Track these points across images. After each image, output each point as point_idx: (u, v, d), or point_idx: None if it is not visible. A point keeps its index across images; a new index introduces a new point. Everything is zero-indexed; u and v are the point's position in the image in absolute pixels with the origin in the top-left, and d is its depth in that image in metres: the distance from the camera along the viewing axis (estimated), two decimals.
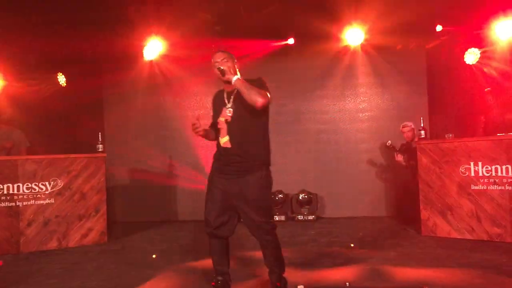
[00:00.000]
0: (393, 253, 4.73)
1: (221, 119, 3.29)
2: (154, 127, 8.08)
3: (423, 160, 5.56)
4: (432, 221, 5.50)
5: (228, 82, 3.18)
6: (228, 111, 3.26)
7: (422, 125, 5.71)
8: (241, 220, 3.30)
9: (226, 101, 3.31)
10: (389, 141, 6.51)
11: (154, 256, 4.95)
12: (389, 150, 6.63)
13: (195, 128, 3.19)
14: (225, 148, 3.26)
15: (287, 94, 7.73)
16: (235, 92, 3.26)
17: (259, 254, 3.43)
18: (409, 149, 6.34)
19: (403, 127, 6.37)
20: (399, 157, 6.35)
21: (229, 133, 3.24)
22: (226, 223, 3.31)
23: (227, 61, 3.24)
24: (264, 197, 3.25)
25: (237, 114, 3.22)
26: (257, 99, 3.05)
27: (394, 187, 7.28)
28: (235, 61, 3.35)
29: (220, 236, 3.35)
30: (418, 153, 5.63)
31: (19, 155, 6.14)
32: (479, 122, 6.30)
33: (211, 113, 3.47)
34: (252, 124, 3.23)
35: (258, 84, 3.18)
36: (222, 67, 3.17)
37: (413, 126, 6.24)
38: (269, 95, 3.14)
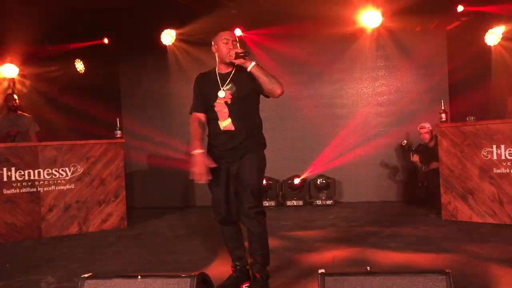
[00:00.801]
0: (413, 237, 4.68)
1: (220, 101, 3.10)
2: (171, 113, 8.09)
3: (444, 143, 5.47)
4: (453, 205, 5.43)
5: (231, 63, 3.08)
6: (228, 93, 3.09)
7: (442, 107, 5.60)
8: None
9: (221, 83, 3.12)
10: (405, 141, 6.42)
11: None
12: (404, 150, 6.50)
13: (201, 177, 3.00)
14: (227, 132, 3.09)
15: (304, 79, 7.65)
16: (232, 73, 3.12)
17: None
18: (426, 151, 6.23)
19: (420, 128, 6.23)
20: (415, 158, 6.23)
21: (231, 115, 3.08)
22: (235, 208, 3.19)
23: (237, 45, 3.13)
24: (259, 179, 3.15)
25: (238, 95, 3.07)
26: (278, 88, 2.98)
27: (413, 171, 7.17)
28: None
29: (232, 221, 3.25)
30: (439, 136, 5.54)
31: (28, 141, 6.20)
32: (508, 103, 6.14)
33: (195, 99, 3.22)
34: (252, 105, 3.16)
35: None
36: (242, 52, 3.02)
37: (430, 128, 6.08)
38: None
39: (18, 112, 6.46)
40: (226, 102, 3.10)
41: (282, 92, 2.99)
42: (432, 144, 5.99)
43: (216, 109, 3.12)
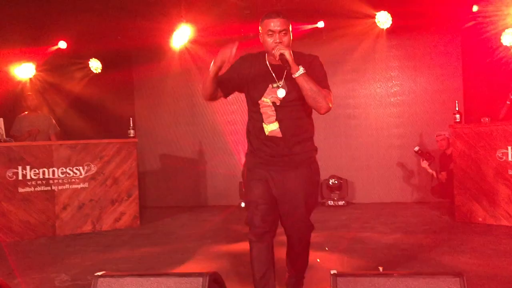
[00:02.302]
0: (427, 239, 4.64)
1: (266, 100, 2.63)
2: (184, 113, 8.13)
3: (458, 145, 5.42)
4: (467, 207, 5.37)
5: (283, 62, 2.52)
6: (279, 92, 2.60)
7: (457, 108, 5.55)
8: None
9: (275, 77, 2.62)
10: (417, 147, 6.37)
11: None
12: (416, 156, 6.46)
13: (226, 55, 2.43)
14: (273, 138, 2.64)
15: None
16: (288, 68, 2.52)
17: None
18: (442, 158, 6.19)
19: (437, 135, 6.21)
20: (425, 163, 6.20)
21: (279, 119, 2.61)
22: (272, 223, 2.68)
23: (286, 35, 2.57)
24: (314, 192, 2.77)
25: (290, 98, 2.59)
26: (323, 105, 2.51)
27: (425, 173, 7.11)
28: (291, 32, 2.64)
29: (266, 238, 2.67)
30: (453, 137, 5.49)
31: (47, 141, 6.28)
32: (504, 105, 6.07)
33: (225, 78, 2.67)
34: (305, 112, 2.67)
35: (317, 72, 2.61)
36: (284, 53, 2.47)
37: (447, 135, 6.03)
38: (332, 95, 2.60)
39: (38, 111, 6.56)
40: (274, 103, 2.63)
41: (327, 111, 2.55)
42: (450, 151, 5.92)
43: (261, 108, 2.66)
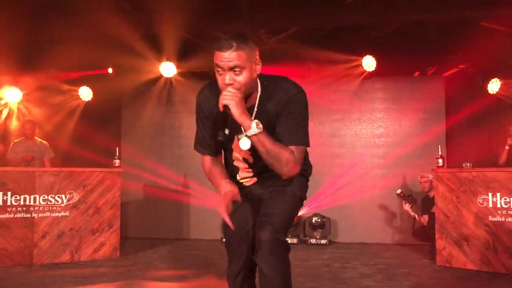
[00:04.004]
0: (407, 282, 4.64)
1: (237, 156, 2.30)
2: (170, 145, 8.13)
3: (440, 188, 5.50)
4: (447, 251, 5.41)
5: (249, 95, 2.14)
6: (242, 143, 2.16)
7: (439, 153, 5.66)
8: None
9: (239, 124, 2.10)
10: (399, 190, 6.46)
11: None
12: (399, 198, 6.55)
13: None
14: (250, 185, 2.39)
15: None
16: (254, 112, 2.14)
17: None
18: (424, 201, 6.30)
19: (421, 177, 6.34)
20: (407, 206, 6.29)
21: (254, 173, 2.33)
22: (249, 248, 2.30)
23: (241, 73, 2.02)
24: (288, 208, 2.27)
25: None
26: (282, 172, 2.12)
27: (407, 215, 7.17)
28: (257, 61, 2.11)
29: (244, 270, 2.35)
30: (435, 181, 5.58)
31: (42, 167, 6.25)
32: (503, 150, 6.22)
33: (201, 133, 2.36)
34: None
35: (291, 116, 2.14)
36: (229, 105, 2.00)
37: (431, 178, 6.15)
38: (303, 152, 2.19)
39: (35, 138, 6.58)
40: (245, 160, 2.29)
41: (292, 175, 2.17)
42: (432, 194, 6.01)
43: (233, 161, 2.35)
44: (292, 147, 2.13)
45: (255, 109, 2.16)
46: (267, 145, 2.05)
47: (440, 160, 5.61)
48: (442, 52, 7.02)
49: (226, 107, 2.01)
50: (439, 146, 5.79)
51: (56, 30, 6.46)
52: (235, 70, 2.02)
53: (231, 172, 2.39)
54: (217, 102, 2.08)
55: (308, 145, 2.23)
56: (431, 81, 7.62)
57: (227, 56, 2.00)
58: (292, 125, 2.14)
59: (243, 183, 2.38)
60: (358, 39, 6.97)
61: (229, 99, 2.00)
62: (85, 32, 6.47)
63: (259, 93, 2.17)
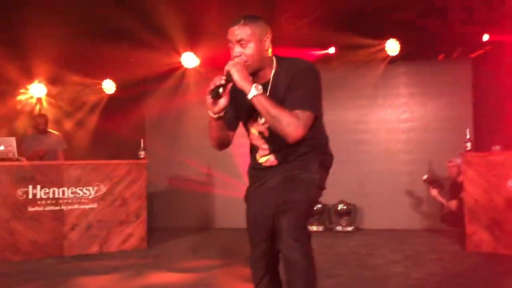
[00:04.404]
0: (437, 268, 4.58)
1: (253, 131, 2.39)
2: (193, 135, 8.15)
3: (469, 173, 5.38)
4: (477, 236, 5.31)
5: (260, 68, 2.25)
6: (260, 118, 2.30)
7: (468, 136, 5.53)
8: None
9: None
10: (426, 175, 6.34)
11: None
12: (426, 184, 6.43)
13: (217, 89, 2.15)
14: (269, 167, 2.40)
15: (326, 104, 7.59)
16: (269, 86, 2.25)
17: None
18: (453, 186, 6.16)
19: (448, 162, 6.20)
20: (434, 192, 6.17)
21: (270, 149, 2.36)
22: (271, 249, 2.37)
23: (246, 45, 2.18)
24: (307, 195, 2.26)
25: None
26: (285, 133, 2.11)
27: (435, 201, 7.05)
28: (265, 38, 2.22)
29: (266, 259, 2.42)
30: (464, 165, 5.46)
31: (55, 159, 6.34)
32: None
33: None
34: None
35: (298, 86, 2.18)
36: (231, 70, 2.13)
37: (458, 163, 6.01)
38: (310, 118, 2.18)
39: (48, 130, 6.64)
40: (261, 134, 2.35)
41: (297, 139, 2.14)
42: (460, 179, 5.88)
43: (251, 140, 2.44)
44: (297, 111, 2.14)
45: (270, 85, 2.26)
46: (267, 106, 2.10)
47: (469, 144, 5.48)
48: (468, 33, 6.83)
49: (229, 74, 2.13)
50: (467, 129, 5.64)
51: (80, 25, 6.52)
52: (241, 43, 2.18)
53: (252, 153, 2.46)
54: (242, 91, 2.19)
55: (316, 112, 2.23)
56: (457, 63, 7.43)
57: (235, 30, 2.19)
58: (299, 93, 2.18)
59: (262, 164, 2.40)
60: (381, 22, 6.84)
61: (231, 65, 2.14)
62: (106, 25, 6.51)
63: (273, 70, 2.27)
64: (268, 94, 2.21)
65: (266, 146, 2.36)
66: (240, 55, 2.19)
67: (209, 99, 2.21)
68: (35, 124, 6.68)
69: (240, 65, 2.16)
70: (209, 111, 2.27)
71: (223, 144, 2.45)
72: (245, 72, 2.15)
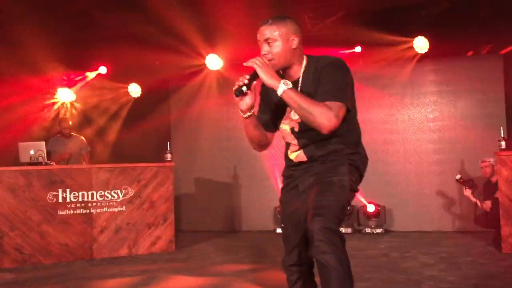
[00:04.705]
0: (473, 271, 4.44)
1: (285, 128, 2.41)
2: (220, 137, 8.15)
3: (504, 172, 5.22)
4: None
5: (287, 67, 2.32)
6: (292, 113, 2.35)
7: (502, 135, 5.37)
8: None
9: None
10: (459, 175, 6.18)
11: None
12: (458, 184, 6.27)
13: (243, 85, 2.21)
14: (299, 163, 2.41)
15: None
16: (300, 82, 2.31)
17: None
18: (486, 186, 5.99)
19: (481, 162, 6.02)
20: (467, 192, 6.01)
21: (300, 144, 2.37)
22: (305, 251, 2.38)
23: (273, 44, 2.25)
24: (337, 198, 2.19)
25: None
26: (319, 124, 2.11)
27: (467, 201, 6.87)
28: (293, 37, 2.27)
29: (301, 266, 2.44)
30: (498, 165, 5.30)
31: (80, 162, 6.41)
32: None
33: (259, 111, 2.52)
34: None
35: (326, 78, 2.21)
36: (253, 65, 2.18)
37: (492, 162, 5.84)
38: (341, 108, 2.16)
39: (71, 134, 6.74)
40: (292, 130, 2.38)
41: (331, 129, 2.13)
42: (494, 179, 5.72)
43: (284, 138, 2.46)
44: (327, 103, 2.15)
45: (300, 82, 2.32)
46: (298, 99, 2.12)
47: (503, 143, 5.32)
48: (498, 29, 6.64)
49: (254, 73, 2.19)
50: (501, 127, 5.48)
51: (105, 29, 6.57)
52: (268, 41, 2.25)
53: (286, 152, 2.49)
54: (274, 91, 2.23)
55: (347, 102, 2.22)
56: (487, 60, 7.24)
57: (263, 30, 2.27)
58: (328, 86, 2.20)
59: (293, 160, 2.42)
60: (408, 20, 6.70)
61: (253, 61, 2.19)
62: (133, 29, 6.55)
63: (303, 68, 2.34)
64: (299, 90, 2.26)
65: (296, 142, 2.39)
66: (267, 54, 2.26)
67: (235, 98, 2.25)
68: (60, 128, 6.78)
69: (265, 64, 2.20)
70: (239, 110, 2.32)
71: (261, 145, 2.47)
72: (271, 71, 2.19)
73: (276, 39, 2.25)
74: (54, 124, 7.70)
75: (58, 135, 6.78)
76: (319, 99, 2.17)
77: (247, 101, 2.26)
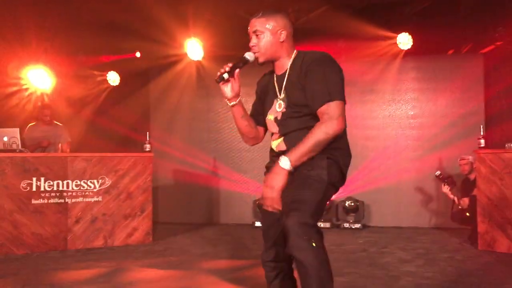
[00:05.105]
0: (450, 268, 4.47)
1: (269, 117, 2.42)
2: (198, 129, 8.05)
3: (482, 170, 5.27)
4: (490, 235, 5.20)
5: (275, 60, 2.40)
6: (277, 105, 2.38)
7: (482, 133, 5.42)
8: None
9: (277, 90, 2.39)
10: (438, 171, 6.23)
11: None
12: (438, 180, 6.32)
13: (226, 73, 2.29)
14: (280, 153, 2.34)
15: None
16: (286, 75, 2.35)
17: None
18: (464, 184, 6.05)
19: (461, 159, 6.07)
20: (445, 189, 6.07)
21: (281, 132, 2.36)
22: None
23: (259, 36, 2.32)
24: (314, 193, 2.18)
25: (291, 108, 2.31)
26: (332, 137, 2.17)
27: (445, 198, 6.93)
28: (281, 30, 2.31)
29: (279, 263, 2.43)
30: (477, 162, 5.35)
31: (57, 151, 6.22)
32: None
33: (253, 108, 2.62)
34: (312, 115, 2.26)
35: (314, 81, 2.22)
36: (223, 72, 2.29)
37: (471, 160, 5.90)
38: (339, 106, 2.18)
39: (53, 121, 6.52)
40: (275, 119, 2.40)
41: (339, 131, 2.19)
42: (473, 177, 5.78)
43: (269, 128, 2.49)
44: (324, 107, 2.19)
45: (286, 75, 2.36)
46: (304, 151, 2.15)
47: (482, 141, 5.37)
48: (479, 29, 6.70)
49: (243, 60, 2.33)
50: (481, 126, 5.53)
51: (83, 15, 6.40)
52: (256, 33, 2.32)
53: (271, 143, 2.47)
54: (263, 84, 2.52)
55: (343, 99, 2.24)
56: (468, 59, 7.30)
57: (253, 22, 2.34)
58: (322, 84, 2.21)
59: (275, 150, 2.41)
60: (392, 16, 6.71)
61: (250, 53, 2.34)
62: (111, 17, 6.39)
63: (291, 61, 2.37)
64: (285, 82, 2.36)
65: (277, 130, 2.40)
66: (254, 46, 2.34)
67: (220, 86, 2.34)
68: (40, 115, 6.51)
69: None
70: (225, 99, 2.39)
71: (250, 137, 2.54)
72: (277, 180, 2.17)
73: (264, 31, 2.31)
74: (29, 111, 7.49)
75: (37, 121, 6.53)
76: (314, 102, 2.21)
77: (230, 88, 2.33)
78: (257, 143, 2.58)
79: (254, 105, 2.61)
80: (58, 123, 6.64)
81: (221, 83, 2.31)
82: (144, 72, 8.13)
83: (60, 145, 6.29)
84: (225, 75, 2.28)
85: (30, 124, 6.48)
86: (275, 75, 2.43)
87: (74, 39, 6.99)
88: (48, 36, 6.68)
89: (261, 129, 2.55)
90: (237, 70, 2.30)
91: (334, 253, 5.13)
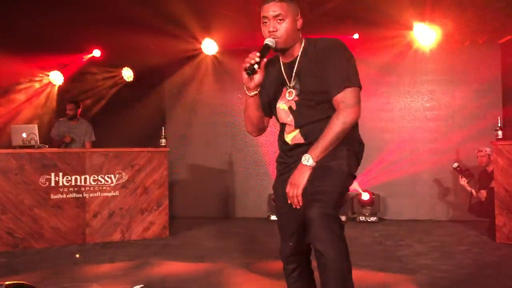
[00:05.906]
0: (467, 260, 4.44)
1: (282, 107, 2.30)
2: (214, 123, 8.08)
3: (500, 162, 5.20)
4: (508, 228, 5.14)
5: (286, 48, 2.24)
6: (288, 93, 2.26)
7: (499, 124, 5.34)
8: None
9: (286, 78, 2.28)
10: (456, 163, 6.16)
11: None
12: (454, 172, 6.26)
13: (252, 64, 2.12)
14: (296, 146, 2.28)
15: None
16: (296, 62, 2.25)
17: None
18: (482, 176, 5.97)
19: (478, 151, 5.99)
20: (463, 181, 6.00)
21: (296, 124, 2.26)
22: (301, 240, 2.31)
23: (282, 21, 2.17)
24: (335, 183, 2.11)
25: (304, 96, 2.21)
26: (350, 125, 2.14)
27: (462, 191, 6.86)
28: (298, 17, 2.22)
29: (299, 256, 2.38)
30: (494, 154, 5.28)
31: (82, 147, 6.33)
32: None
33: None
34: (328, 103, 2.19)
35: (327, 66, 2.17)
36: (269, 43, 2.17)
37: (488, 152, 5.81)
38: (355, 93, 2.15)
39: (78, 118, 6.63)
40: (290, 108, 2.28)
41: (356, 118, 2.16)
42: (490, 169, 5.71)
43: (279, 118, 2.35)
44: (340, 95, 2.13)
45: (297, 61, 2.26)
46: (326, 144, 2.11)
47: (500, 132, 5.29)
48: (496, 18, 6.58)
49: (264, 49, 2.16)
50: (498, 117, 5.45)
51: (96, 12, 6.45)
52: (278, 19, 2.16)
53: (280, 135, 2.39)
54: (268, 71, 2.27)
55: (359, 85, 2.19)
56: (485, 49, 7.19)
57: (271, 6, 2.17)
58: (337, 72, 2.16)
59: (289, 143, 2.31)
60: (404, 8, 6.62)
61: (272, 39, 2.18)
62: (125, 12, 6.43)
63: (301, 48, 2.27)
64: (295, 69, 2.25)
65: (292, 120, 2.28)
66: (276, 31, 2.18)
67: (244, 76, 2.17)
68: (66, 112, 6.66)
69: (296, 185, 2.15)
70: (245, 88, 2.23)
71: (260, 128, 2.42)
72: (301, 177, 2.14)
73: (287, 16, 2.17)
74: (45, 107, 7.61)
75: (65, 117, 6.68)
76: (330, 90, 2.15)
77: (256, 79, 2.18)
78: (261, 134, 2.50)
79: (260, 95, 2.41)
80: (83, 119, 6.76)
81: (251, 75, 2.16)
82: (159, 67, 8.17)
83: (86, 143, 6.45)
84: (256, 66, 2.13)
85: (59, 119, 6.65)
86: (281, 63, 2.31)
87: (88, 34, 7.04)
88: (62, 33, 6.74)
89: (265, 119, 2.43)
90: (264, 60, 2.16)
91: (349, 246, 5.05)
